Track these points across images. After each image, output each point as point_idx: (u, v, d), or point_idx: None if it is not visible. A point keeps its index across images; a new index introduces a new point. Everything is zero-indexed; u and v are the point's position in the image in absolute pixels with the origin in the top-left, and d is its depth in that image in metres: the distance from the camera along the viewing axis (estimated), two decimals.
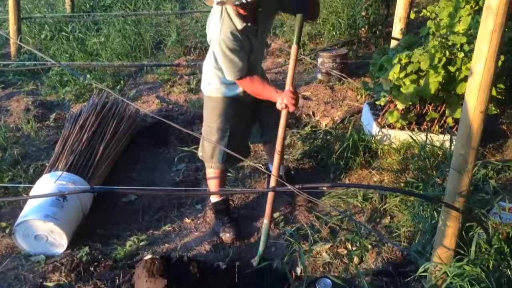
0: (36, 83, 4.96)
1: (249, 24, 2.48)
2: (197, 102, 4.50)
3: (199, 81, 4.88)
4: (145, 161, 3.80)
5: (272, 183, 2.57)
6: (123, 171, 3.62)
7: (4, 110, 4.44)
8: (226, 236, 2.91)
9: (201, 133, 2.93)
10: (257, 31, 2.59)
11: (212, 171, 2.95)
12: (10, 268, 2.64)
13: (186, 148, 3.79)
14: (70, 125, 3.57)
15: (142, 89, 4.85)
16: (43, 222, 2.68)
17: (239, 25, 2.45)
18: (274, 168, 2.61)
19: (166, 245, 2.89)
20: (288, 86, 2.52)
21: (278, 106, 2.52)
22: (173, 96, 4.70)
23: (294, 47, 2.50)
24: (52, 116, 4.28)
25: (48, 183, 2.90)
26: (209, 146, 2.85)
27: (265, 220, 2.64)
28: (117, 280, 2.54)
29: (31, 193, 2.94)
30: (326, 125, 4.08)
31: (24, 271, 2.62)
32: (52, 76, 4.99)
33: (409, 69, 3.13)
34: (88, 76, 4.97)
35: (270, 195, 2.61)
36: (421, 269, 2.22)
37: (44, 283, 2.52)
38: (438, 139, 3.34)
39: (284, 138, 2.68)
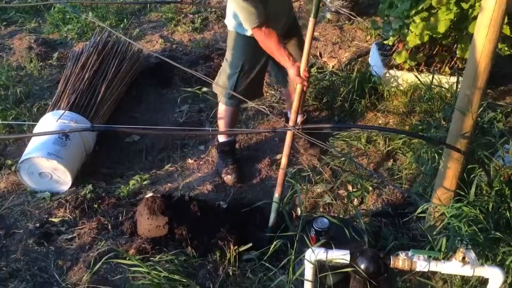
0: (38, 21, 4.86)
1: None
2: (201, 41, 4.39)
3: (204, 19, 4.77)
4: (148, 101, 3.77)
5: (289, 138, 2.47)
6: (126, 111, 3.60)
7: (7, 49, 4.38)
8: (228, 178, 2.92)
9: (206, 73, 2.88)
10: None
11: (222, 108, 2.92)
12: (16, 204, 2.70)
13: (189, 89, 3.73)
14: (72, 64, 3.53)
15: (145, 28, 4.72)
16: (46, 160, 2.71)
17: None
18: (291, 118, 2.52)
19: (169, 184, 2.93)
20: (302, 68, 2.39)
21: (295, 78, 2.42)
22: (177, 36, 4.58)
23: (311, 20, 2.26)
24: (55, 54, 4.21)
25: (50, 122, 2.90)
26: (221, 79, 2.83)
27: (276, 194, 2.54)
28: (120, 217, 2.60)
29: (35, 131, 2.95)
30: (333, 67, 3.97)
31: (30, 207, 2.68)
32: (55, 14, 4.86)
33: (419, 6, 2.98)
34: (90, 14, 4.85)
35: (287, 144, 2.48)
36: (419, 210, 2.22)
37: (50, 219, 2.58)
38: (446, 81, 3.25)
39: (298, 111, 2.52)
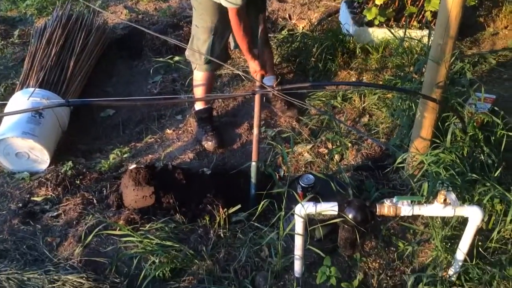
0: None
1: None
2: (167, 10, 4.30)
3: None
4: (119, 74, 3.70)
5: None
6: (98, 86, 3.53)
7: None
8: (209, 144, 2.93)
9: (177, 41, 2.83)
10: None
11: (198, 75, 2.90)
12: None
13: (161, 59, 3.68)
14: (36, 41, 3.41)
15: None
16: (22, 139, 2.65)
17: None
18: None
19: (150, 155, 2.91)
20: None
21: (252, 71, 2.69)
22: (141, 6, 4.47)
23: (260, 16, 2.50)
24: (16, 32, 4.06)
25: (21, 100, 2.82)
26: (194, 46, 2.79)
27: (253, 162, 2.56)
28: (105, 191, 2.58)
29: (5, 111, 2.86)
30: (303, 28, 3.98)
31: (9, 188, 2.63)
32: None
33: None
34: None
35: (257, 110, 2.54)
36: (399, 160, 2.30)
37: (32, 198, 2.55)
38: (416, 35, 3.30)
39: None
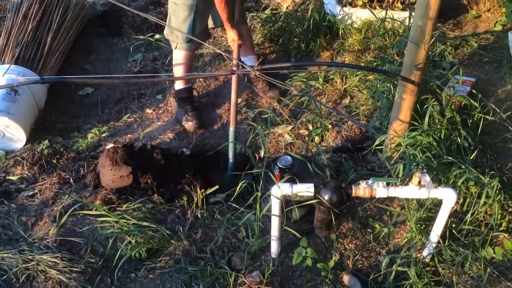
0: None
1: None
2: None
3: None
4: (98, 52, 3.62)
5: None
6: (76, 63, 3.46)
7: None
8: (189, 124, 2.90)
9: (157, 19, 2.78)
10: None
11: (178, 54, 2.85)
12: None
13: (141, 37, 3.61)
14: (12, 16, 3.31)
15: None
16: None
17: None
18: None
19: (129, 135, 2.88)
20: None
21: (230, 39, 2.67)
22: None
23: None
24: None
25: None
26: (174, 24, 2.73)
27: (231, 128, 2.58)
28: (82, 171, 2.55)
29: None
30: (286, 8, 3.92)
31: None
32: None
33: None
34: None
35: (234, 87, 2.56)
36: (377, 142, 2.31)
37: (7, 177, 2.50)
38: (399, 16, 3.28)
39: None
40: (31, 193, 2.40)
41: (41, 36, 3.17)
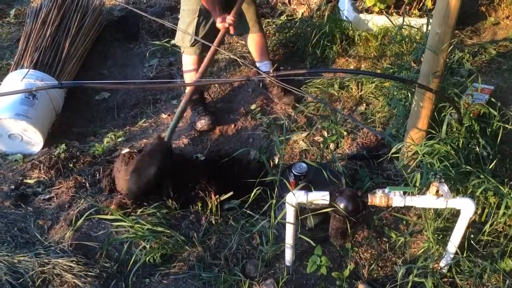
0: None
1: None
2: None
3: None
4: (115, 57, 3.66)
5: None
6: (93, 68, 3.50)
7: None
8: (202, 122, 2.89)
9: (173, 24, 2.83)
10: None
11: (186, 59, 2.88)
12: None
13: (157, 42, 3.64)
14: (32, 21, 3.36)
15: None
16: (15, 121, 2.63)
17: None
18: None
19: (144, 140, 2.89)
20: (232, 14, 2.61)
21: (219, 25, 2.60)
22: None
23: None
24: (12, 11, 4.00)
25: (15, 81, 2.79)
26: (181, 28, 2.79)
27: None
28: (98, 175, 2.56)
29: None
30: (302, 14, 3.92)
31: (2, 170, 2.61)
32: None
33: None
34: None
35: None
36: (393, 150, 2.28)
37: (25, 180, 2.53)
38: (416, 23, 3.26)
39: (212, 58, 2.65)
40: (47, 196, 2.42)
41: (59, 41, 3.21)
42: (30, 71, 2.83)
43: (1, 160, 2.70)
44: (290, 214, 1.86)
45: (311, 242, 2.00)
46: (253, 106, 3.07)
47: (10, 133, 2.67)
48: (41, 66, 2.98)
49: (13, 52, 3.42)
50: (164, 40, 3.60)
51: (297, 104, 3.05)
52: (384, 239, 2.19)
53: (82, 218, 2.19)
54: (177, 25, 2.89)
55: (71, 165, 2.63)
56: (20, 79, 2.76)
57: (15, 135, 2.69)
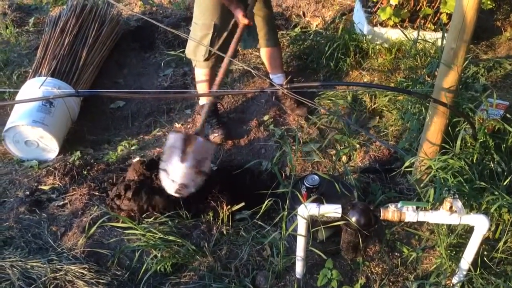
0: None
1: None
2: (182, 3, 4.30)
3: None
4: (131, 66, 3.71)
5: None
6: (109, 77, 3.55)
7: None
8: (216, 136, 2.92)
9: (188, 35, 2.84)
10: None
11: (198, 72, 2.90)
12: (3, 174, 2.67)
13: (172, 52, 3.68)
14: (50, 29, 3.43)
15: None
16: (31, 128, 2.67)
17: None
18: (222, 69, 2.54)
19: (157, 149, 2.92)
20: (250, 7, 2.56)
21: (242, 20, 2.52)
22: None
23: None
24: (31, 20, 4.09)
25: (33, 89, 2.84)
26: (193, 43, 2.78)
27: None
28: (111, 183, 2.59)
29: (17, 98, 2.89)
30: (316, 26, 3.94)
31: (18, 176, 2.65)
32: None
33: None
34: None
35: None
36: (406, 164, 2.27)
37: (39, 187, 2.57)
38: (431, 37, 3.25)
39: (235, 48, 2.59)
40: (61, 203, 2.45)
41: (77, 50, 3.27)
42: (48, 79, 2.88)
43: (17, 166, 2.74)
44: (301, 226, 1.86)
45: (322, 255, 1.99)
46: (266, 117, 3.09)
47: (27, 140, 2.72)
48: (59, 74, 3.03)
49: (32, 60, 3.48)
50: (179, 50, 3.64)
51: (309, 116, 3.06)
52: (396, 254, 2.17)
53: (95, 226, 2.21)
54: None
55: (85, 172, 2.66)
56: (37, 86, 2.81)
57: (32, 142, 2.73)
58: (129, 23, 4.03)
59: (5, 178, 2.64)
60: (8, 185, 2.60)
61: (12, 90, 3.15)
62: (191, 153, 2.29)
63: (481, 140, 2.21)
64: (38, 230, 2.28)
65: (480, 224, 1.76)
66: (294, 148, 2.74)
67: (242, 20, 2.53)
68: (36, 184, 2.59)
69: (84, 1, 3.70)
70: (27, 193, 2.51)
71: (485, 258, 2.02)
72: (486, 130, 2.25)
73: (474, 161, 2.18)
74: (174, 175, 2.26)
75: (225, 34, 2.76)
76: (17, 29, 3.96)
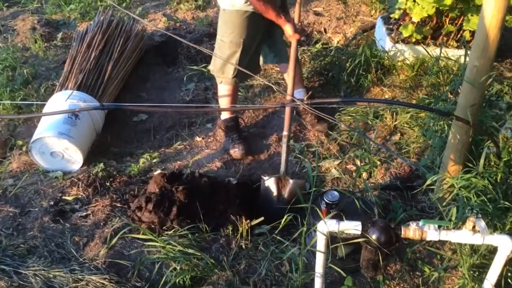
0: (40, 1, 4.84)
1: None
2: (205, 19, 4.37)
3: None
4: (154, 80, 3.78)
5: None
6: (133, 91, 3.62)
7: (11, 30, 4.38)
8: (236, 152, 2.95)
9: (211, 50, 2.88)
10: None
11: (223, 88, 2.93)
12: (29, 184, 2.74)
13: (195, 67, 3.74)
14: (77, 44, 3.53)
15: (148, 6, 4.71)
16: (57, 139, 2.74)
17: None
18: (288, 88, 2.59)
19: (178, 162, 2.96)
20: (296, 20, 2.60)
21: (294, 36, 2.57)
22: (180, 14, 4.56)
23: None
24: (59, 35, 4.21)
25: (59, 102, 2.92)
26: (220, 60, 2.81)
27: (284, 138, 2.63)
28: (133, 193, 2.63)
29: (44, 111, 2.98)
30: (337, 42, 3.97)
31: (43, 186, 2.72)
32: None
33: None
34: None
35: (287, 121, 2.61)
36: (428, 181, 2.24)
37: (63, 197, 2.62)
38: (453, 54, 3.24)
39: (296, 66, 2.62)
40: (84, 213, 2.50)
41: (103, 64, 3.35)
42: (74, 92, 2.96)
43: (42, 176, 2.80)
44: (321, 242, 1.85)
45: (342, 272, 1.97)
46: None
47: (52, 151, 2.79)
48: (85, 87, 3.11)
49: (59, 74, 3.58)
50: (202, 65, 3.70)
51: (330, 132, 3.06)
52: (417, 273, 2.14)
53: (117, 237, 2.24)
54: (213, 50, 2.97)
55: (108, 184, 2.71)
56: (64, 99, 2.89)
57: (57, 153, 2.80)
58: (153, 39, 4.12)
59: (30, 188, 2.70)
60: (33, 195, 2.66)
61: (39, 102, 3.24)
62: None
63: (505, 159, 2.18)
64: (61, 240, 2.32)
65: (504, 245, 1.73)
66: (314, 163, 2.74)
67: (294, 36, 2.57)
68: (60, 195, 2.64)
69: (111, 17, 3.80)
70: (51, 203, 2.57)
71: (509, 280, 1.97)
72: (510, 149, 2.22)
73: (498, 180, 2.15)
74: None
75: (251, 51, 2.80)
76: (46, 44, 4.09)
